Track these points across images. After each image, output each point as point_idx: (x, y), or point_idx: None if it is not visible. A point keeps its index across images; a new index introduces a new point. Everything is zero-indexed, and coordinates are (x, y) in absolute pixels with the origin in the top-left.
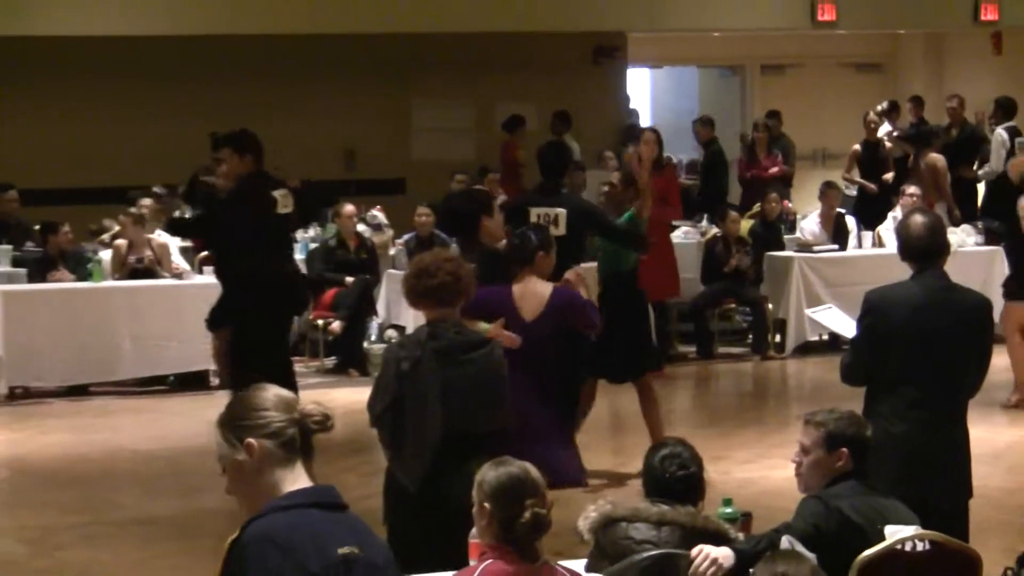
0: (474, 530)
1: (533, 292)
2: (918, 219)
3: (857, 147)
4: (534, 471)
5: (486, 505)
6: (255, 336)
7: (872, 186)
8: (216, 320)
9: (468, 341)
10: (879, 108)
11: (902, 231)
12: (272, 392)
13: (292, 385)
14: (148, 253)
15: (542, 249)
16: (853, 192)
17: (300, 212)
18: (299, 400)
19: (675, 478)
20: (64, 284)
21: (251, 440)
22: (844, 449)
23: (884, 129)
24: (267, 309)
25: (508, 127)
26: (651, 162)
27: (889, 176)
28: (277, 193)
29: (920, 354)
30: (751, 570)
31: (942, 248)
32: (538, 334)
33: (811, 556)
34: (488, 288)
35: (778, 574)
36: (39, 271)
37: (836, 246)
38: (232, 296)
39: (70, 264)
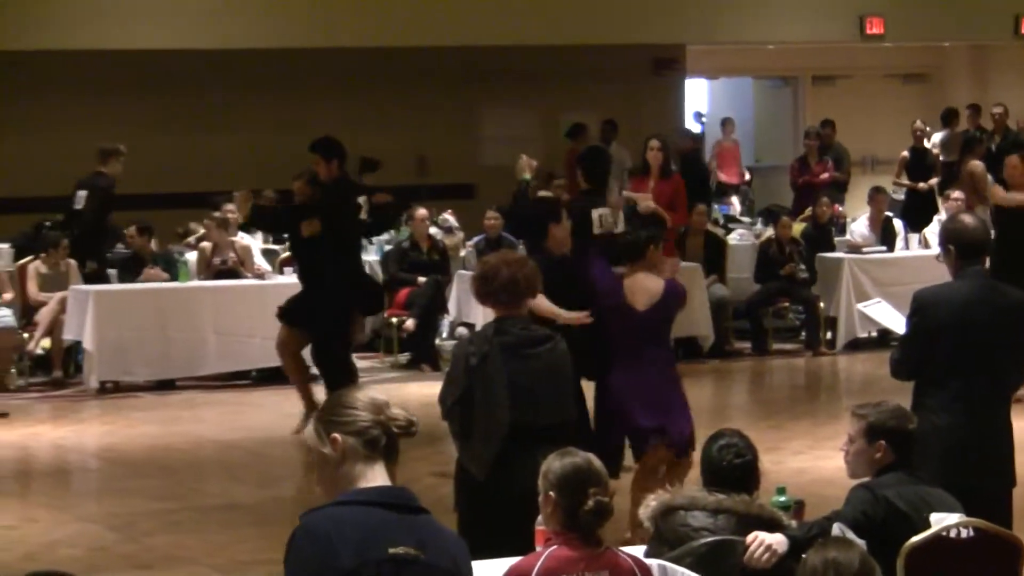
0: (540, 517)
1: (643, 285)
2: (968, 218)
3: (905, 153)
4: (597, 462)
5: (551, 494)
6: (333, 334)
7: (923, 184)
8: (289, 315)
9: (534, 336)
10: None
11: (955, 229)
12: (365, 393)
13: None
14: (231, 255)
15: (652, 243)
16: (901, 196)
17: (378, 221)
18: (389, 404)
19: (732, 465)
20: (152, 284)
21: (336, 435)
22: (882, 441)
23: (937, 137)
24: (345, 310)
25: (572, 135)
26: (658, 169)
27: (934, 181)
28: (360, 200)
29: (965, 349)
30: (803, 556)
31: (987, 247)
32: (650, 322)
33: (861, 543)
34: (606, 281)
35: (829, 560)
36: (128, 271)
37: (884, 247)
38: (312, 296)
39: (159, 265)
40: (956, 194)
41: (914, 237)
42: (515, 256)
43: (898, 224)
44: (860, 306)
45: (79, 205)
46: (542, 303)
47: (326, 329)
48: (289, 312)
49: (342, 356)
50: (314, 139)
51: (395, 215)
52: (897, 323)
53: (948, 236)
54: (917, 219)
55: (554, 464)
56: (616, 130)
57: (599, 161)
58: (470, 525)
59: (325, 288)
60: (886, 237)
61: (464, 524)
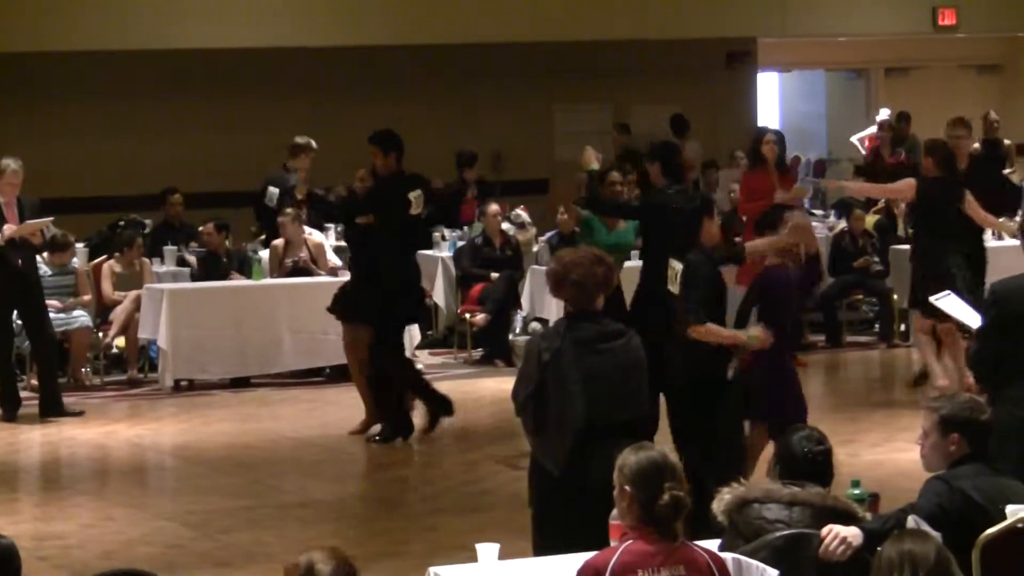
0: (614, 512)
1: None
2: None
3: (977, 145)
4: (672, 456)
5: (627, 488)
6: (393, 329)
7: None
8: (345, 311)
9: (607, 331)
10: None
11: None
12: None
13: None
14: (303, 253)
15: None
16: None
17: (438, 210)
18: None
19: (813, 453)
20: (226, 283)
21: None
22: (955, 434)
23: None
24: (392, 306)
25: (675, 129)
26: (774, 163)
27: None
28: (412, 195)
29: None
30: (879, 548)
31: None
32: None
33: (936, 535)
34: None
35: (905, 552)
36: (204, 269)
37: None
38: (363, 290)
39: (233, 263)
40: None
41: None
42: (590, 252)
43: None
44: (931, 299)
45: (271, 203)
46: (719, 330)
47: (383, 325)
48: (344, 308)
49: (397, 352)
50: (373, 132)
51: (452, 207)
52: (967, 315)
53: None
54: (991, 210)
55: (630, 458)
56: (685, 126)
57: (675, 155)
58: (545, 520)
59: (377, 280)
60: None
61: (539, 519)
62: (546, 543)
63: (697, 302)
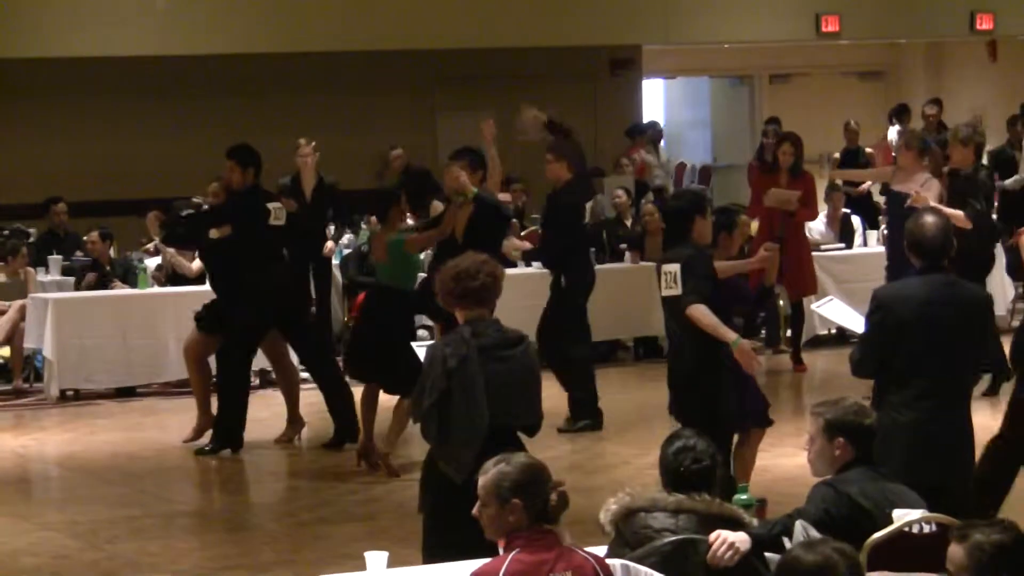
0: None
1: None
2: (931, 219)
3: (836, 155)
4: (536, 457)
5: (515, 500)
6: (245, 342)
7: (863, 187)
8: (210, 324)
9: (508, 338)
10: (890, 111)
11: (915, 231)
12: None
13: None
14: (197, 263)
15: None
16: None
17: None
18: None
19: (690, 471)
20: (111, 291)
21: None
22: (841, 438)
23: (894, 132)
24: (259, 318)
25: (631, 134)
26: (788, 168)
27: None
28: (272, 205)
29: (927, 346)
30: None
31: (950, 248)
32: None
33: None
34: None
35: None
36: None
37: (843, 244)
38: (227, 305)
39: (118, 272)
40: None
41: (872, 234)
42: (485, 257)
43: (856, 221)
44: (813, 306)
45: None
46: (708, 315)
47: (235, 336)
48: (207, 319)
49: (241, 365)
50: (231, 146)
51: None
52: (851, 320)
53: (907, 236)
54: (875, 217)
55: (506, 470)
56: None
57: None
58: (443, 527)
59: (239, 296)
60: (844, 234)
61: (437, 525)
62: (442, 549)
63: (692, 287)
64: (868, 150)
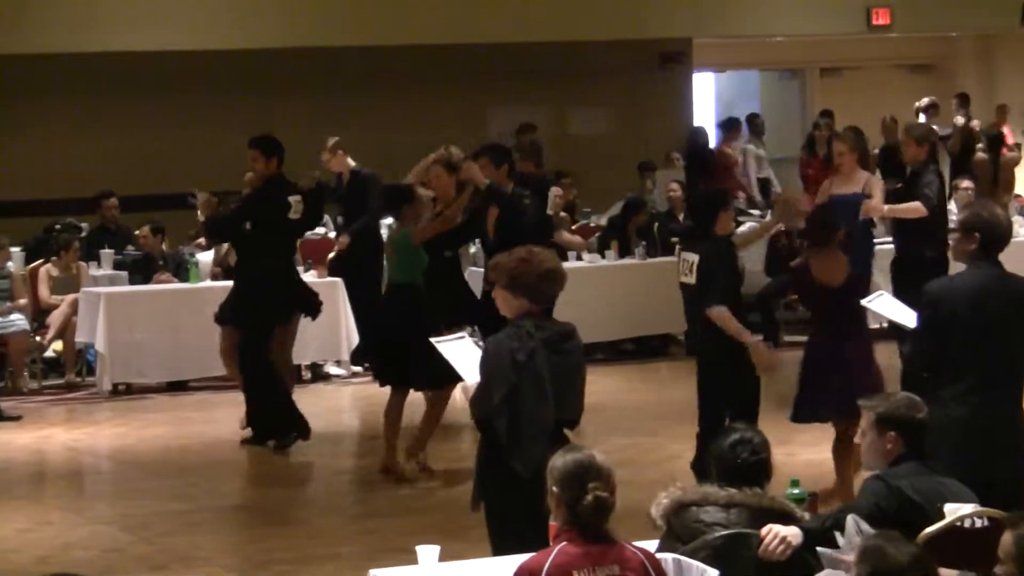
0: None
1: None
2: (997, 208)
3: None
4: (600, 457)
5: (555, 489)
6: (264, 333)
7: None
8: (224, 316)
9: (565, 331)
10: (919, 105)
11: (985, 218)
12: None
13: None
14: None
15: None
16: None
17: (310, 213)
18: None
19: (747, 464)
20: (163, 286)
21: None
22: (892, 432)
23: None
24: (277, 308)
25: (724, 127)
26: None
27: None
28: (292, 199)
29: (979, 340)
30: (839, 545)
31: (1009, 239)
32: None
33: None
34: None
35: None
36: (140, 272)
37: (890, 239)
38: (244, 294)
39: (170, 266)
40: (965, 183)
41: None
42: (548, 250)
43: None
44: (864, 301)
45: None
46: (731, 319)
47: (248, 327)
48: (225, 315)
49: (260, 354)
50: (255, 136)
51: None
52: (900, 315)
53: (975, 223)
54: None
55: (558, 460)
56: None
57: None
58: (511, 522)
59: (250, 286)
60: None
61: (503, 521)
62: (511, 545)
63: (713, 288)
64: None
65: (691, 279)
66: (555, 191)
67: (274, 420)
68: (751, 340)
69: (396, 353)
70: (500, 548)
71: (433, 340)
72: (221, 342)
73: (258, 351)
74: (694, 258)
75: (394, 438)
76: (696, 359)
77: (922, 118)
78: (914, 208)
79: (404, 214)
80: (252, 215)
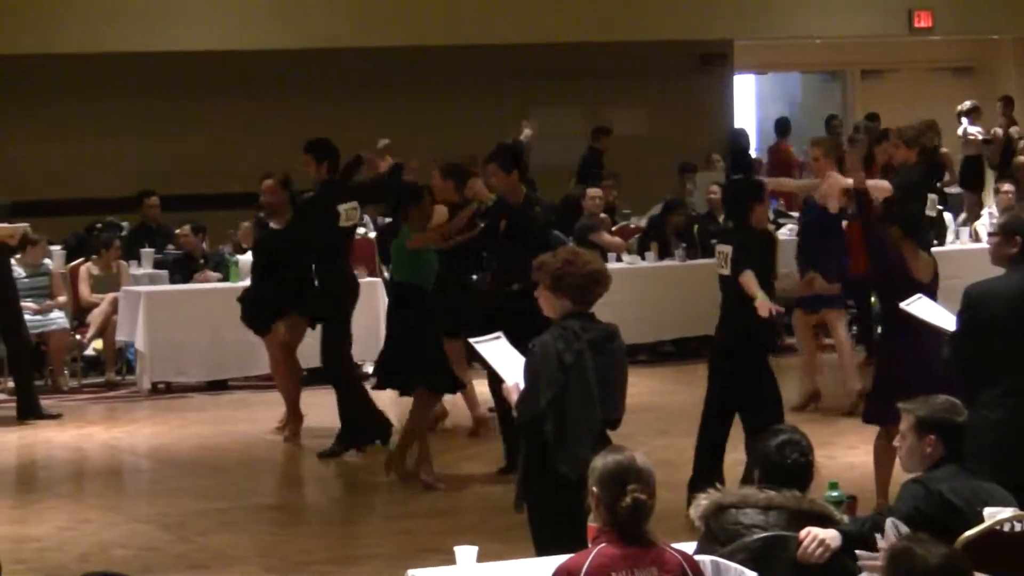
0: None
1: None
2: None
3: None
4: (641, 459)
5: (595, 489)
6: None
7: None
8: (263, 319)
9: (609, 332)
10: (960, 108)
11: None
12: None
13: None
14: None
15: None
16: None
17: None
18: None
19: (796, 465)
20: (203, 284)
21: None
22: (932, 436)
23: (962, 129)
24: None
25: (779, 129)
26: (882, 166)
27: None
28: (343, 207)
29: (1017, 343)
30: (856, 551)
31: None
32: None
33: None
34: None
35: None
36: (181, 271)
37: (935, 241)
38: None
39: (210, 265)
40: (1006, 187)
41: (964, 230)
42: (588, 251)
43: (948, 217)
44: (902, 305)
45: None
46: (752, 286)
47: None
48: (263, 318)
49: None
50: (308, 140)
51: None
52: (940, 318)
53: (1016, 227)
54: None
55: (598, 461)
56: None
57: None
58: (556, 524)
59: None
60: (937, 231)
61: (550, 523)
62: (558, 546)
63: (744, 259)
64: (943, 150)
65: (727, 270)
66: (592, 192)
67: (366, 421)
68: (758, 295)
69: (408, 358)
70: (543, 550)
71: (471, 340)
72: (270, 350)
73: (346, 352)
74: (728, 249)
75: (411, 442)
76: (709, 355)
77: (964, 121)
78: (881, 187)
79: (410, 215)
80: (304, 228)
